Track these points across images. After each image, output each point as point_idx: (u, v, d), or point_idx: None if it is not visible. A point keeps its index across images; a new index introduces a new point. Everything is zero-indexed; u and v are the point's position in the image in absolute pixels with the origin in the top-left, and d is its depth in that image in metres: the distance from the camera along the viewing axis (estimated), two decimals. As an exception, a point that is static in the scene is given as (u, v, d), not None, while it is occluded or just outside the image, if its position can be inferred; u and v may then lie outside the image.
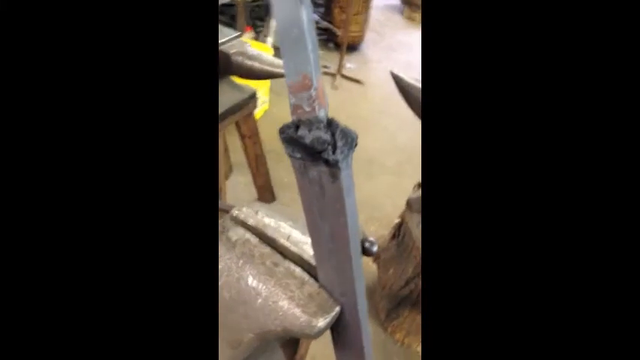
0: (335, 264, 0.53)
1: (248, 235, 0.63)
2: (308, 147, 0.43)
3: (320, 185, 0.47)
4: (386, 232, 1.78)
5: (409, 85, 1.50)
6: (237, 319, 0.59)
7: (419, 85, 1.48)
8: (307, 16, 0.40)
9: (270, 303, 0.57)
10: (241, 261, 0.60)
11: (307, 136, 0.43)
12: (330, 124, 0.44)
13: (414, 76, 1.48)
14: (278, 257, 0.61)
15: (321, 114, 0.43)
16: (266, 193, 1.89)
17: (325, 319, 0.55)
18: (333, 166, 0.44)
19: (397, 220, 1.68)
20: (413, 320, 1.68)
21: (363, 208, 2.11)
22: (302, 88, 0.43)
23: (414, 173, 2.37)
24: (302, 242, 0.63)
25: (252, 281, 0.58)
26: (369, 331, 0.59)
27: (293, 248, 0.62)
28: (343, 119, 0.43)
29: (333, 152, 0.43)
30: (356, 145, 0.45)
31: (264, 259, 0.60)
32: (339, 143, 0.43)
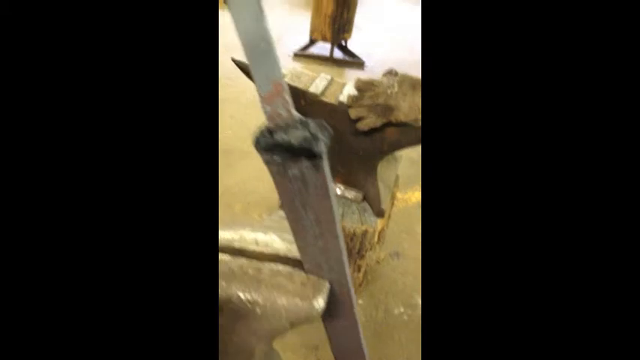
0: (322, 245, 0.57)
1: (218, 256, 0.61)
2: (295, 148, 0.46)
3: (302, 180, 0.50)
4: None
5: None
6: (243, 337, 0.58)
7: None
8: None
9: (270, 305, 0.58)
10: (224, 282, 0.59)
11: (291, 138, 0.46)
12: (302, 122, 0.47)
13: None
14: (256, 263, 0.61)
15: (296, 114, 0.46)
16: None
17: (323, 297, 0.59)
18: (318, 158, 0.48)
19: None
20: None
21: (237, 198, 2.10)
22: (276, 95, 0.44)
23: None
24: (271, 242, 0.65)
25: (243, 295, 0.58)
26: (356, 300, 0.66)
27: (266, 250, 0.63)
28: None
29: (317, 146, 0.47)
30: (331, 133, 0.49)
31: (245, 270, 0.60)
32: (321, 136, 0.46)
